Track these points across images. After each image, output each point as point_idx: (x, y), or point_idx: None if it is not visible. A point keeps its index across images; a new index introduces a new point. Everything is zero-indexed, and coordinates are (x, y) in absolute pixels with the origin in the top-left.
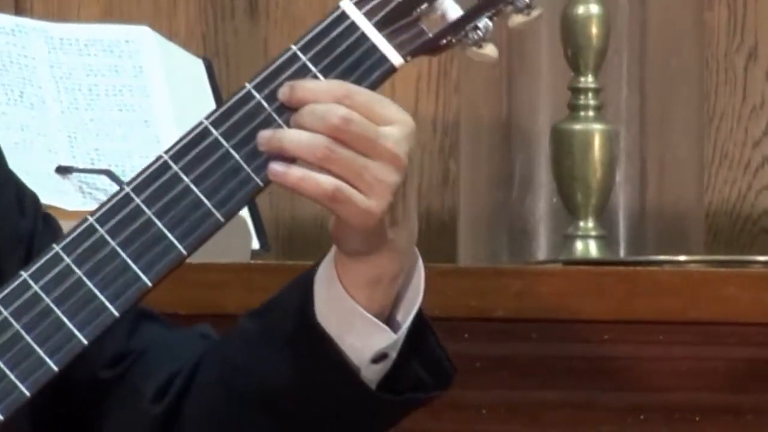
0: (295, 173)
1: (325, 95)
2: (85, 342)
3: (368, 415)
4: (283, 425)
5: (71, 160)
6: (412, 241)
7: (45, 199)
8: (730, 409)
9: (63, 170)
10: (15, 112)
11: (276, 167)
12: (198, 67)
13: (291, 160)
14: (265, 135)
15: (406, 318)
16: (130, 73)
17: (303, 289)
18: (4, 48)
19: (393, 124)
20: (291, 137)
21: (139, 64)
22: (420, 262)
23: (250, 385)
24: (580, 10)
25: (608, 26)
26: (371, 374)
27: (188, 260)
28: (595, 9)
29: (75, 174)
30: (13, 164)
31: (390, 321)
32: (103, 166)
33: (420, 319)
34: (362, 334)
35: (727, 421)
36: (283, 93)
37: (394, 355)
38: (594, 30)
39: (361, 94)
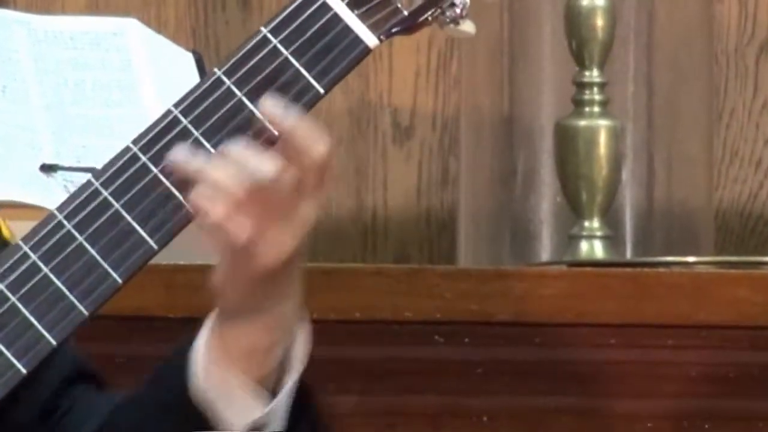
0: (218, 211)
1: (305, 139)
2: (54, 343)
3: None
4: None
5: (56, 157)
6: (295, 312)
7: (28, 198)
8: (741, 416)
9: (47, 168)
10: None
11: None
12: (188, 60)
13: None
14: (177, 161)
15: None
16: (118, 67)
17: (180, 360)
18: None
19: (316, 196)
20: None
21: (127, 58)
22: (306, 333)
23: None
24: (585, 1)
25: (614, 18)
26: None
27: (184, 263)
28: (600, 0)
29: (60, 172)
30: None
31: (277, 389)
32: (90, 164)
33: (306, 393)
34: (239, 404)
35: (738, 429)
36: (270, 109)
37: (275, 426)
38: (599, 22)
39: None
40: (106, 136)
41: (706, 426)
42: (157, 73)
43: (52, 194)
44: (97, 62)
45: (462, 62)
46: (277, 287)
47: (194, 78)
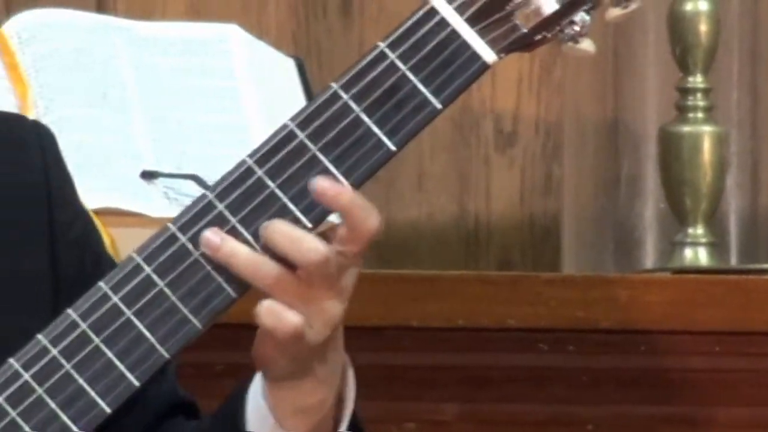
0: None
1: (360, 215)
2: (167, 356)
3: None
4: None
5: (156, 164)
6: (340, 364)
7: (128, 205)
8: None
9: (148, 175)
10: (98, 115)
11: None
12: (289, 66)
13: None
14: (211, 241)
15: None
16: (219, 74)
17: (237, 403)
18: (87, 47)
19: (359, 261)
20: (244, 259)
21: (229, 65)
22: (350, 376)
23: None
24: (689, 6)
25: (718, 23)
26: None
27: None
28: (704, 5)
29: (160, 179)
30: (96, 168)
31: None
32: (190, 171)
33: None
34: None
35: None
36: (322, 186)
37: None
38: (703, 27)
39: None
40: (206, 143)
41: None
42: (258, 80)
43: (152, 201)
44: (197, 69)
45: (565, 68)
46: (324, 352)
47: (296, 84)
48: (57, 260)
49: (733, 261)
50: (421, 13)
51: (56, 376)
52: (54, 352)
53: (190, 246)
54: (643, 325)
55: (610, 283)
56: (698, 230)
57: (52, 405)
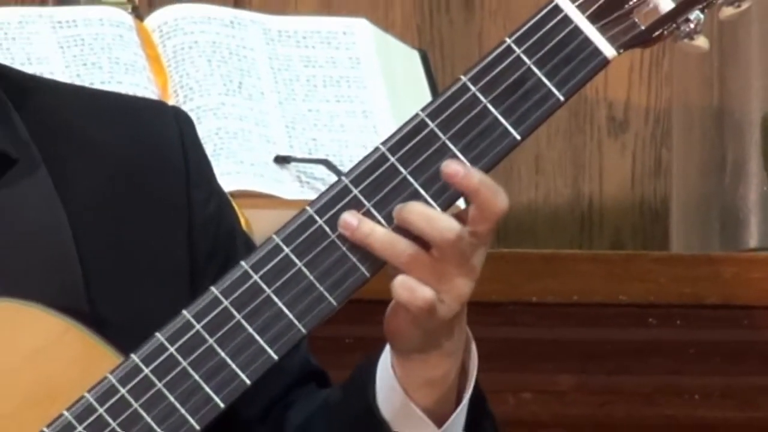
0: (400, 280)
1: (487, 196)
2: (304, 331)
3: None
4: None
5: (289, 149)
6: (463, 339)
7: (263, 188)
8: None
9: (281, 160)
10: (234, 103)
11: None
12: (414, 58)
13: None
14: (349, 222)
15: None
16: (348, 64)
17: (366, 375)
18: (224, 40)
19: (487, 242)
20: (380, 238)
21: (357, 56)
22: (473, 349)
23: None
24: None
25: None
26: None
27: None
28: None
29: (293, 163)
30: (233, 153)
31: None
32: (321, 156)
33: (481, 402)
34: (413, 426)
35: None
36: (454, 169)
37: None
38: None
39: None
40: (336, 130)
41: None
42: (384, 70)
43: (284, 184)
44: (327, 60)
45: (673, 59)
46: (451, 327)
47: (420, 75)
48: (193, 233)
49: None
50: (545, 10)
51: (200, 350)
52: (197, 326)
53: (326, 228)
54: (745, 301)
55: (716, 261)
56: None
57: (196, 377)
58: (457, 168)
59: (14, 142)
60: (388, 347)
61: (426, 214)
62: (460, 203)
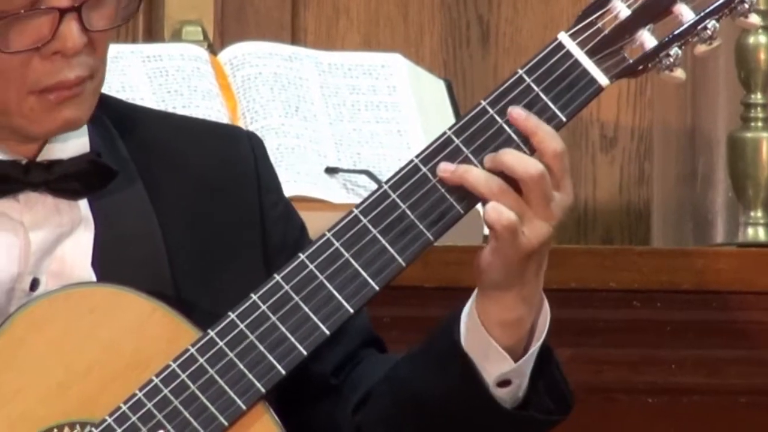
0: (490, 205)
1: (548, 138)
2: (352, 311)
3: (497, 428)
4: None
5: (337, 162)
6: (538, 294)
7: (316, 193)
8: None
9: (331, 171)
10: (292, 123)
11: (448, 167)
12: (440, 87)
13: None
14: (447, 168)
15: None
16: (386, 92)
17: (452, 320)
18: (283, 72)
19: (564, 194)
20: (474, 175)
21: (393, 84)
22: (546, 308)
23: (407, 396)
24: (751, 39)
25: None
26: (500, 395)
27: (437, 244)
28: (763, 38)
29: (340, 174)
30: (290, 165)
31: (525, 353)
32: (364, 167)
33: (547, 354)
34: (492, 360)
35: None
36: (518, 113)
37: (518, 381)
38: (762, 56)
39: (566, 160)
40: (376, 146)
41: None
42: (416, 96)
43: (333, 191)
44: (369, 88)
45: (654, 88)
46: (531, 267)
47: (445, 100)
48: (266, 231)
49: None
50: (551, 46)
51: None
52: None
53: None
54: (714, 287)
55: (689, 254)
56: (758, 213)
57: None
58: (520, 111)
59: (116, 159)
60: (471, 299)
61: (517, 155)
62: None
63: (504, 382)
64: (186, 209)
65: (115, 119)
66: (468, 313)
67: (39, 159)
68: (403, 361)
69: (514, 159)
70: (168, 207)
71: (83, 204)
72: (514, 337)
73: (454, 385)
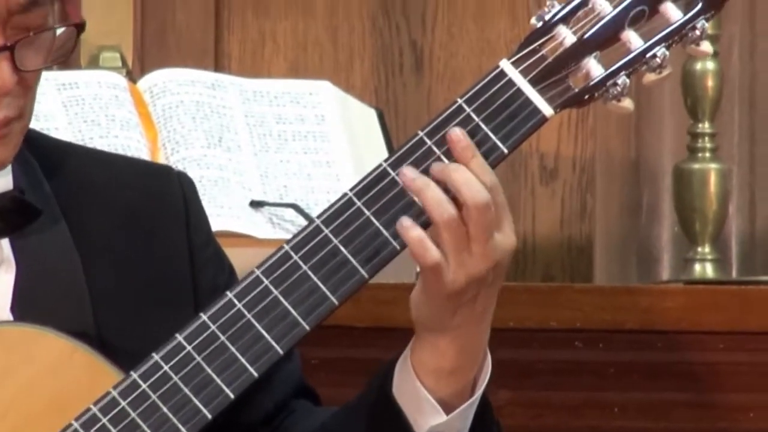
0: (416, 232)
1: (480, 171)
2: (281, 352)
3: None
4: None
5: (263, 195)
6: (479, 345)
7: (240, 228)
8: None
9: (256, 204)
10: (215, 154)
11: (405, 221)
12: (371, 116)
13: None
14: (409, 175)
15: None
16: (314, 121)
17: (387, 368)
18: (206, 100)
19: (503, 235)
20: (432, 193)
21: (321, 114)
22: (488, 362)
23: None
24: (698, 65)
25: (722, 79)
26: None
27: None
28: (710, 65)
29: (266, 207)
30: (213, 198)
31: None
32: (291, 201)
33: (487, 413)
34: (424, 412)
35: None
36: (456, 135)
37: None
38: (710, 83)
39: (501, 195)
40: (303, 178)
41: None
42: (346, 126)
43: (259, 226)
44: (296, 117)
45: (597, 116)
46: (463, 309)
47: (377, 131)
48: (194, 273)
49: (734, 274)
50: (492, 74)
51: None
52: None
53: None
54: (660, 327)
55: (633, 292)
56: (705, 249)
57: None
58: (459, 136)
59: (40, 197)
60: (404, 352)
61: (467, 175)
62: None
63: None
64: (111, 248)
65: (40, 156)
66: (403, 359)
67: None
68: (336, 414)
69: (462, 179)
70: (92, 246)
71: (5, 243)
72: (450, 388)
73: None
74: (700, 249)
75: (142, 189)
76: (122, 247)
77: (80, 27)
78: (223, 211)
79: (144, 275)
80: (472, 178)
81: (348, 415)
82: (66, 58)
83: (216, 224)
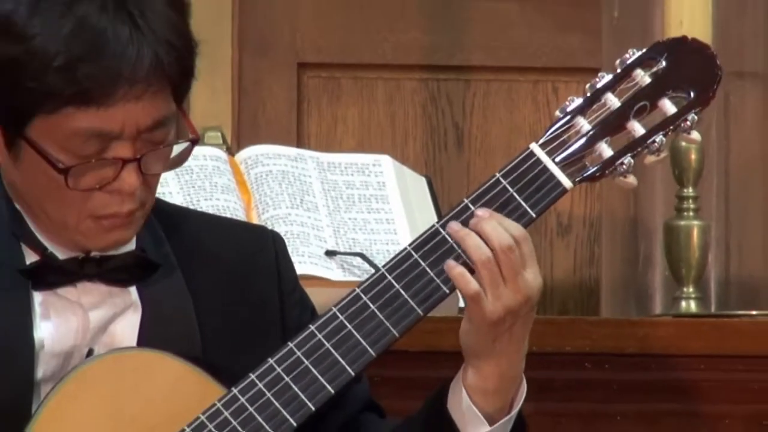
0: (459, 269)
1: (508, 225)
2: (353, 373)
3: None
4: None
5: (335, 246)
6: (516, 371)
7: (317, 273)
8: None
9: (330, 253)
10: (297, 213)
11: (451, 262)
12: (422, 183)
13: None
14: (455, 227)
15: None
16: (376, 187)
17: (442, 387)
18: (290, 170)
19: (532, 275)
20: (472, 240)
21: (383, 181)
22: (524, 386)
23: None
24: (683, 143)
25: (703, 153)
26: None
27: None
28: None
29: (338, 256)
30: (296, 249)
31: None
32: (358, 251)
33: (521, 422)
34: (472, 423)
35: None
36: (483, 212)
37: None
38: (693, 156)
39: (529, 245)
40: (368, 233)
41: (765, 423)
42: (402, 191)
43: (332, 271)
44: (362, 184)
45: (603, 182)
46: (503, 337)
47: (426, 195)
48: (284, 314)
49: (713, 309)
50: (523, 154)
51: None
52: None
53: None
54: (654, 351)
55: (633, 324)
56: (690, 289)
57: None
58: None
59: (159, 254)
60: (458, 374)
61: (494, 226)
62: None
63: None
64: (217, 295)
65: (162, 218)
66: (455, 381)
67: (93, 254)
68: (399, 426)
69: (490, 227)
70: (202, 293)
71: (132, 291)
72: (493, 405)
73: None
74: (685, 289)
75: (243, 246)
76: (226, 294)
77: (195, 141)
78: (304, 259)
79: (243, 317)
80: (498, 227)
81: (410, 426)
82: (181, 164)
83: (298, 269)
